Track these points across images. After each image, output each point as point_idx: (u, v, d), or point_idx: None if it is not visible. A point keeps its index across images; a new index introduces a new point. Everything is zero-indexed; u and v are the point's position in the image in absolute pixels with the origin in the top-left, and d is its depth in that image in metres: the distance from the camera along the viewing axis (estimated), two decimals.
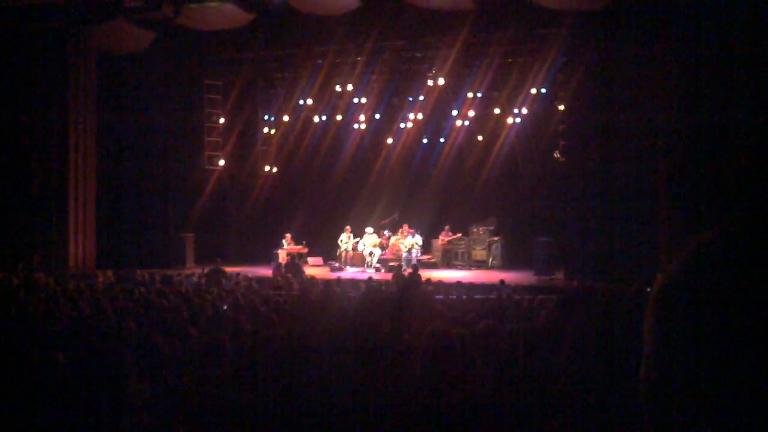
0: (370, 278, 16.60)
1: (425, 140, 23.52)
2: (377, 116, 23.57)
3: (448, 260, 21.35)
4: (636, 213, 16.13)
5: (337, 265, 21.17)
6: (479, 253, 21.13)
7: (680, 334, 0.89)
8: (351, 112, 23.40)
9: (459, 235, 21.31)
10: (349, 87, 22.20)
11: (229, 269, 18.33)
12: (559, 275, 17.95)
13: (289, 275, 17.17)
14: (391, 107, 23.37)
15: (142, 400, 2.92)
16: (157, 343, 6.05)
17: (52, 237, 19.67)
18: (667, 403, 0.90)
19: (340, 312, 9.32)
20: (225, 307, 10.26)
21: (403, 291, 12.45)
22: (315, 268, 20.91)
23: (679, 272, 0.95)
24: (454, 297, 12.68)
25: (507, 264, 20.84)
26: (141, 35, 18.61)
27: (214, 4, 17.53)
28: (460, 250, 21.31)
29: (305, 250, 21.95)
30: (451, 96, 22.22)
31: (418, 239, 21.04)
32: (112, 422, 2.70)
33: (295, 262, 19.56)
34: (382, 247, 21.47)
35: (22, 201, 19.79)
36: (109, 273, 16.87)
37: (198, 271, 17.96)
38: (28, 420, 3.21)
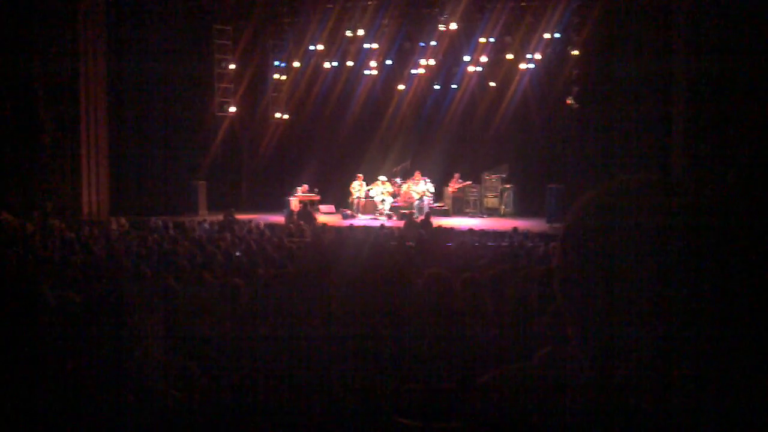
0: (382, 225, 16.66)
1: (437, 86, 23.32)
2: (388, 62, 23.35)
3: (459, 208, 21.34)
4: (648, 160, 16.03)
5: (349, 212, 21.19)
6: (491, 200, 21.09)
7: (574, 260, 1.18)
8: (362, 57, 23.17)
9: (469, 182, 21.26)
10: (360, 32, 21.95)
11: (241, 216, 18.42)
12: None
13: (302, 222, 17.23)
14: (402, 52, 23.13)
15: (153, 340, 2.95)
16: (170, 284, 6.11)
17: (65, 185, 19.76)
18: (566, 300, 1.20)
19: (352, 257, 9.37)
20: (238, 254, 10.33)
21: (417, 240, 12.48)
22: (327, 216, 20.95)
23: (571, 220, 1.22)
24: (466, 244, 12.72)
25: (519, 211, 20.82)
26: None
27: None
28: (472, 198, 21.27)
29: (317, 198, 21.97)
30: (463, 41, 21.95)
31: (430, 186, 21.01)
32: (124, 359, 2.74)
33: (308, 209, 19.60)
34: (394, 194, 21.46)
35: (35, 150, 19.82)
36: (123, 220, 16.97)
37: (210, 218, 18.03)
38: (42, 359, 3.25)
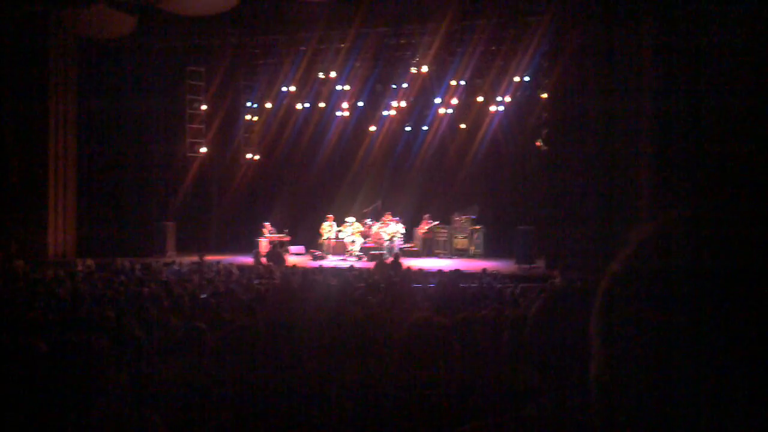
0: (351, 267, 16.60)
1: (408, 128, 23.48)
2: (360, 104, 23.50)
3: (429, 248, 21.35)
4: (619, 201, 16.18)
5: (318, 253, 21.12)
6: (461, 241, 21.13)
7: (627, 333, 0.87)
8: (334, 99, 23.32)
9: (437, 222, 21.31)
10: (333, 74, 22.11)
11: (210, 257, 18.27)
12: (541, 264, 18.00)
13: (271, 264, 17.12)
14: (374, 94, 23.31)
15: (117, 389, 2.87)
16: (134, 331, 5.99)
17: (31, 225, 19.50)
18: (620, 405, 0.87)
19: (321, 300, 9.28)
20: (204, 296, 10.20)
21: (387, 282, 12.43)
22: (297, 257, 20.85)
23: (622, 268, 0.94)
24: (435, 286, 12.67)
25: (488, 253, 20.86)
26: (122, 20, 18.40)
27: None
28: (442, 239, 21.31)
29: (287, 239, 21.89)
30: (434, 83, 22.18)
31: (401, 227, 21.03)
32: (85, 410, 2.66)
33: (277, 250, 19.49)
34: (365, 235, 21.44)
35: (1, 189, 19.58)
36: (90, 261, 16.75)
37: (179, 259, 17.86)
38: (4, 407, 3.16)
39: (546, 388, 1.83)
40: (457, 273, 14.74)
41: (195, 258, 17.61)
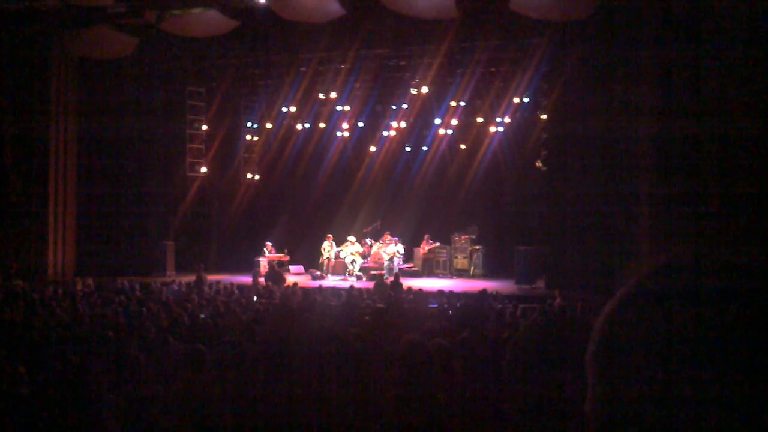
0: (351, 287, 16.58)
1: (408, 148, 23.53)
2: (360, 124, 23.57)
3: (429, 269, 21.34)
4: (618, 222, 16.20)
5: (318, 273, 21.10)
6: (461, 261, 21.12)
7: (624, 369, 0.88)
8: (334, 119, 23.39)
9: (438, 244, 21.31)
10: (333, 94, 22.18)
11: (210, 277, 18.26)
12: (541, 284, 17.99)
13: (270, 283, 17.11)
14: (374, 115, 23.39)
15: (113, 412, 2.87)
16: (132, 353, 5.99)
17: (30, 244, 19.50)
18: None
19: (320, 321, 9.28)
20: (202, 316, 10.20)
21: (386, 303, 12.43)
22: (296, 276, 20.83)
23: (619, 306, 0.94)
24: (435, 306, 12.67)
25: (488, 273, 20.84)
26: (124, 41, 18.53)
27: (197, 10, 17.48)
28: (442, 259, 21.31)
29: (287, 258, 21.89)
30: (434, 104, 22.26)
31: (400, 248, 21.02)
32: None
33: (276, 270, 19.47)
34: (364, 255, 21.43)
35: (1, 208, 19.59)
36: (89, 281, 16.73)
37: (179, 279, 17.84)
38: None
39: (537, 411, 1.83)
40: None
41: (194, 276, 17.57)
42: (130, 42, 18.58)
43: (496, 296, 14.64)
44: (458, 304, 12.80)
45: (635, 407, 0.86)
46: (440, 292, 14.85)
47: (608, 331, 0.92)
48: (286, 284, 17.18)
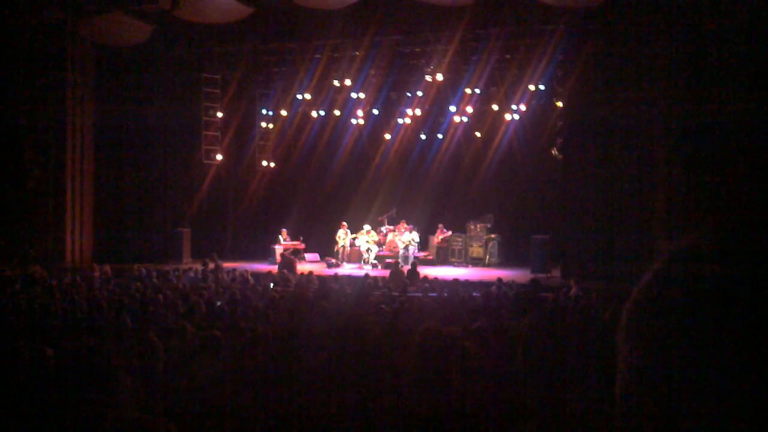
0: (366, 275, 16.60)
1: (423, 136, 23.47)
2: (375, 111, 23.52)
3: (444, 257, 21.32)
4: (634, 211, 16.13)
5: (333, 261, 21.12)
6: (476, 250, 21.07)
7: (655, 346, 0.87)
8: (349, 107, 23.35)
9: (450, 233, 21.27)
10: (347, 82, 22.13)
11: (226, 264, 18.32)
12: (556, 273, 17.93)
13: (284, 271, 17.14)
14: (389, 102, 23.33)
15: (131, 397, 2.88)
16: (151, 339, 6.02)
17: (48, 231, 19.64)
18: (646, 417, 0.87)
19: (336, 309, 9.29)
20: (219, 303, 10.24)
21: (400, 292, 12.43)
22: (312, 264, 20.87)
23: (649, 287, 0.94)
24: (451, 295, 12.65)
25: (504, 261, 20.80)
26: (139, 28, 18.53)
27: None
28: (457, 247, 21.27)
29: (302, 246, 21.94)
30: (449, 92, 22.17)
31: (416, 236, 20.99)
32: (99, 418, 2.67)
33: (287, 257, 19.46)
34: (380, 243, 21.42)
35: (19, 196, 19.73)
36: (107, 268, 16.84)
37: (195, 266, 17.91)
38: (14, 414, 3.18)
39: (545, 404, 1.83)
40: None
41: (210, 263, 17.59)
42: (144, 29, 18.58)
43: (511, 285, 14.59)
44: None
45: (666, 389, 0.85)
46: (455, 282, 14.82)
47: (639, 313, 0.92)
48: (300, 272, 17.22)
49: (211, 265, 17.09)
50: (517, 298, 11.17)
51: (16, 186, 19.74)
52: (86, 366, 2.77)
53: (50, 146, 19.89)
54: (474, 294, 12.85)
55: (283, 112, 23.66)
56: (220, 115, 22.93)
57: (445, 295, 12.63)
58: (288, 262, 18.66)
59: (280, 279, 15.81)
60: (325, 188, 24.10)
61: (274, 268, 18.72)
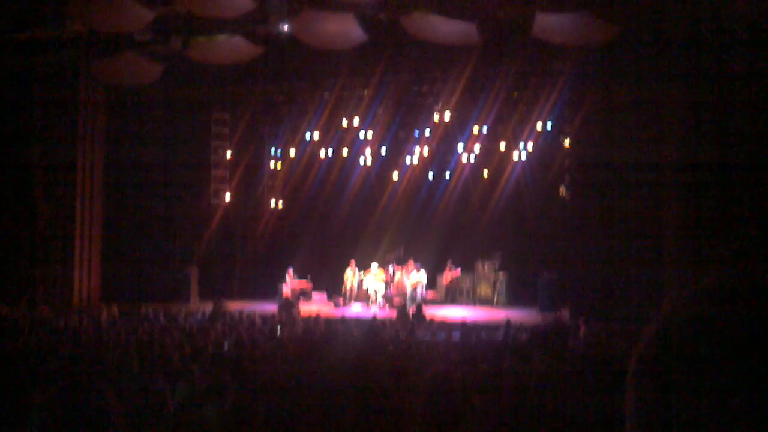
0: (374, 316, 16.52)
1: (431, 175, 23.50)
2: (383, 150, 23.59)
3: (452, 297, 21.22)
4: (641, 250, 16.06)
5: (340, 301, 21.03)
6: (484, 289, 20.98)
7: (663, 399, 0.88)
8: (357, 146, 23.43)
9: (458, 270, 21.16)
10: (356, 121, 22.25)
11: (233, 304, 18.28)
12: (565, 313, 17.81)
13: (292, 312, 17.08)
14: (396, 141, 23.41)
15: None
16: (159, 384, 5.99)
17: (56, 272, 19.65)
18: None
19: (343, 352, 9.25)
20: (226, 345, 10.20)
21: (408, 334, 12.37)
22: (319, 304, 20.80)
23: (657, 335, 0.94)
24: (458, 337, 12.59)
25: (512, 301, 20.69)
26: (149, 68, 18.73)
27: (222, 37, 17.65)
28: (465, 287, 21.18)
29: (309, 285, 21.89)
30: (456, 131, 22.25)
31: (423, 275, 20.91)
32: None
33: (288, 301, 19.28)
34: (387, 283, 21.34)
35: (28, 236, 19.80)
36: (114, 308, 16.82)
37: (202, 306, 17.86)
38: None
39: None
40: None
41: (218, 304, 17.51)
42: (155, 69, 18.78)
43: (520, 328, 14.44)
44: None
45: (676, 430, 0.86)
46: (463, 324, 14.73)
47: (649, 355, 0.92)
48: (307, 314, 17.11)
49: (218, 309, 17.02)
50: (531, 341, 11.10)
51: (27, 226, 19.81)
52: (90, 410, 2.75)
53: (60, 186, 19.99)
54: (482, 335, 12.77)
55: (292, 152, 23.77)
56: (228, 154, 23.04)
57: (453, 336, 12.56)
58: (287, 304, 18.49)
59: (288, 321, 15.76)
60: (333, 227, 24.11)
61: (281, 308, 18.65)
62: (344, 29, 16.13)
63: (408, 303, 19.69)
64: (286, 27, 16.69)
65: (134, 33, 17.85)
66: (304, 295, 21.43)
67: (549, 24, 14.92)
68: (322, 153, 23.65)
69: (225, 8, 15.62)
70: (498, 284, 20.88)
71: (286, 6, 16.18)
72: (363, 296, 21.12)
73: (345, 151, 23.52)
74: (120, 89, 20.58)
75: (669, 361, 0.91)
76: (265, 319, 16.18)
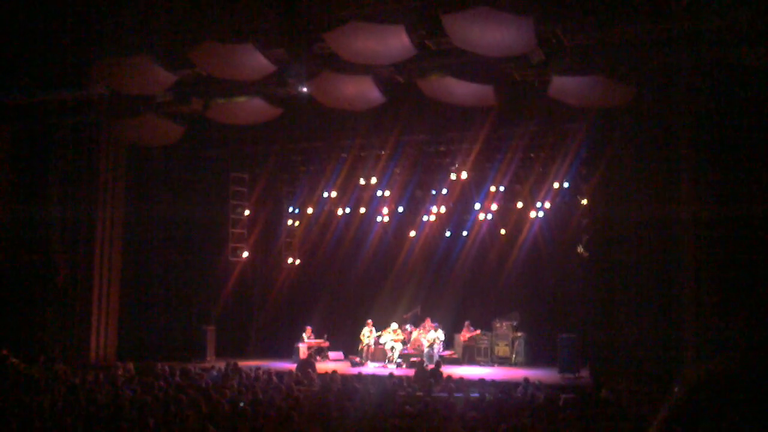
0: (390, 374, 16.39)
1: (448, 233, 23.53)
2: (400, 209, 23.69)
3: (470, 356, 21.04)
4: (662, 310, 15.90)
5: (357, 359, 20.90)
6: (502, 349, 20.79)
7: None
8: (374, 204, 23.55)
9: (478, 331, 21.05)
10: (373, 180, 22.41)
11: (249, 362, 18.19)
12: (585, 373, 17.59)
13: (309, 370, 16.97)
14: (414, 200, 23.50)
15: None
16: None
17: (74, 328, 19.68)
18: None
19: (360, 410, 9.17)
20: (242, 404, 10.14)
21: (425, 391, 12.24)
22: (336, 363, 20.67)
23: (675, 412, 0.95)
24: (477, 396, 12.45)
25: (531, 360, 20.48)
26: (170, 129, 18.98)
27: (242, 99, 17.91)
28: (483, 346, 21.01)
29: (327, 344, 21.81)
30: (473, 189, 22.33)
31: (441, 334, 20.78)
32: None
33: (305, 361, 19.13)
34: (404, 341, 21.23)
35: (46, 293, 19.89)
36: (130, 365, 16.79)
37: (219, 364, 17.77)
38: None
39: None
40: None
41: (227, 365, 17.35)
42: (176, 130, 19.03)
43: (539, 386, 14.32)
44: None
45: None
46: (482, 381, 14.60)
47: (679, 418, 0.93)
48: (324, 371, 17.00)
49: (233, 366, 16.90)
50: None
51: (45, 283, 19.92)
52: None
53: (79, 243, 20.14)
54: (500, 395, 12.62)
55: (309, 210, 23.92)
56: (247, 212, 23.21)
57: (471, 395, 12.42)
58: (304, 363, 18.35)
59: (304, 378, 15.65)
60: (350, 285, 24.09)
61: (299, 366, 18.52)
62: (362, 91, 16.34)
63: (425, 360, 19.53)
64: (305, 89, 16.93)
65: (156, 94, 18.15)
66: (321, 353, 21.31)
67: (565, 86, 15.05)
68: (340, 211, 23.80)
69: (245, 72, 15.86)
70: (516, 343, 20.70)
71: (305, 69, 16.41)
72: (380, 354, 20.99)
73: (362, 210, 23.65)
74: (141, 148, 20.84)
75: (698, 424, 0.93)
76: (281, 376, 16.08)
